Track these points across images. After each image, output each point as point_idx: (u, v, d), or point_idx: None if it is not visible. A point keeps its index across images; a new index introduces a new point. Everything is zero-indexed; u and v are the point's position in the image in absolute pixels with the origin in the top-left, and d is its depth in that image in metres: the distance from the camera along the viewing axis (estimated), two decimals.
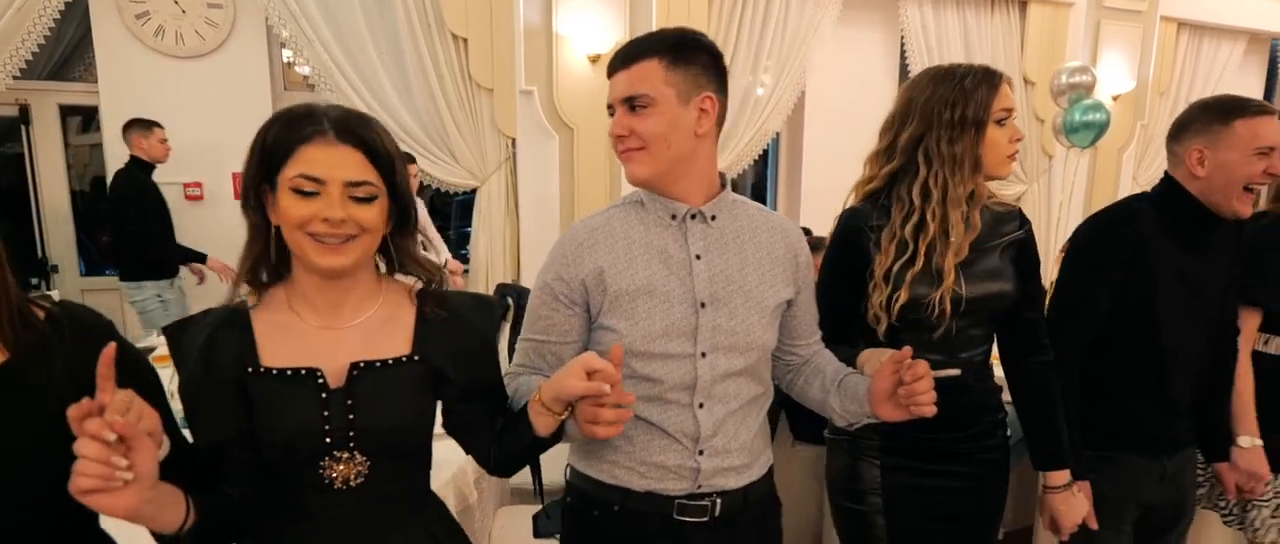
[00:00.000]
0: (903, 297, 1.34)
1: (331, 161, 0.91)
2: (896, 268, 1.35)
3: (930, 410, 1.08)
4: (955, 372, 1.15)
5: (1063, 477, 1.45)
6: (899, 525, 1.44)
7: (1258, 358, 1.73)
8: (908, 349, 1.09)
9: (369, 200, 0.93)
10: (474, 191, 3.90)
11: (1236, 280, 1.63)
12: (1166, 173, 1.58)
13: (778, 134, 4.52)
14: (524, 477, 2.29)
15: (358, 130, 0.93)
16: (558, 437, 1.04)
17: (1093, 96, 4.43)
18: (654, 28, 3.74)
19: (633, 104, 1.09)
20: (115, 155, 3.54)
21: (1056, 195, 4.89)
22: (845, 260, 1.43)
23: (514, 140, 3.74)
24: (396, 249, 1.02)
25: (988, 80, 1.34)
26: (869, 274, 1.38)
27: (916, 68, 4.53)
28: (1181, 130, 1.53)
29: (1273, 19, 5.63)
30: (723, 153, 4.18)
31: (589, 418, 0.97)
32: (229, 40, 3.72)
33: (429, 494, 1.12)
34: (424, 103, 3.74)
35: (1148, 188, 1.67)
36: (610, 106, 1.16)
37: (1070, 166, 4.89)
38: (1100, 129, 4.36)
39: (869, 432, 1.42)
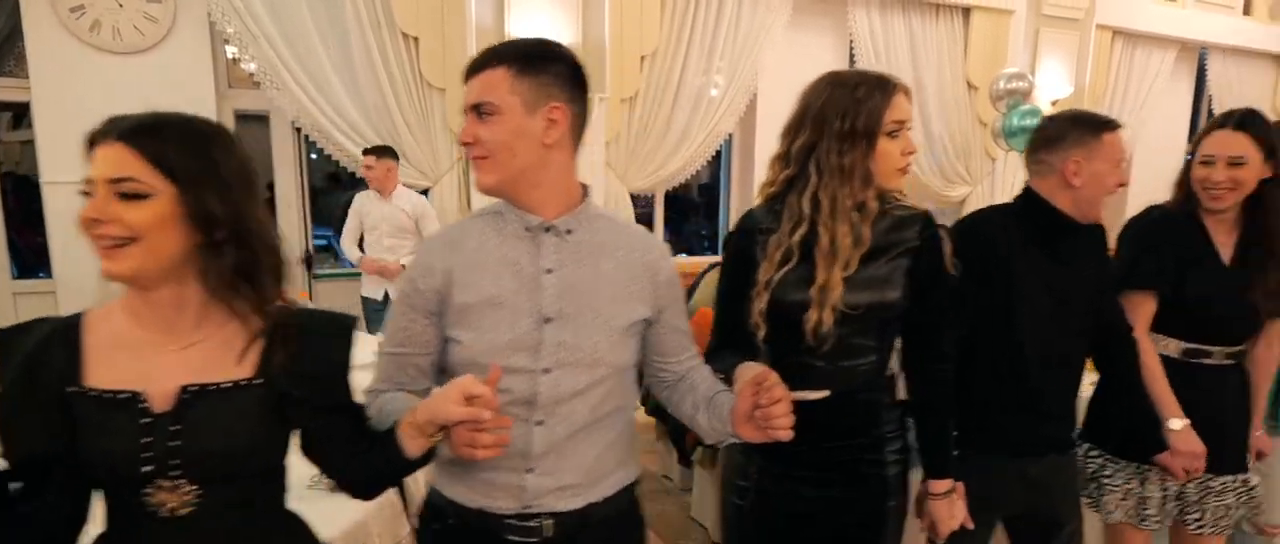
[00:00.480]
0: (780, 306, 1.32)
1: (103, 161, 0.88)
2: (778, 276, 1.32)
3: (786, 434, 1.06)
4: (820, 394, 1.15)
5: (946, 484, 1.43)
6: (767, 527, 1.43)
7: None
8: (767, 371, 1.08)
9: (135, 198, 0.87)
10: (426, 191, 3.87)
11: (1109, 283, 1.67)
12: (1027, 185, 1.61)
13: (730, 135, 4.58)
14: None
15: (142, 131, 0.89)
16: (428, 457, 1.02)
17: (1030, 102, 4.60)
18: (607, 28, 3.82)
19: (480, 111, 1.08)
20: (53, 153, 3.42)
21: (1000, 197, 5.05)
22: (733, 265, 1.42)
23: None
24: (208, 269, 0.93)
25: (881, 88, 1.32)
26: (752, 281, 1.35)
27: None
28: (1056, 142, 1.54)
29: (1201, 30, 5.90)
30: (676, 154, 4.22)
31: (466, 442, 0.95)
32: (170, 36, 3.61)
33: (284, 517, 1.08)
34: (373, 100, 3.69)
35: None
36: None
37: (1011, 169, 5.06)
38: None
39: None
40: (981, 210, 1.65)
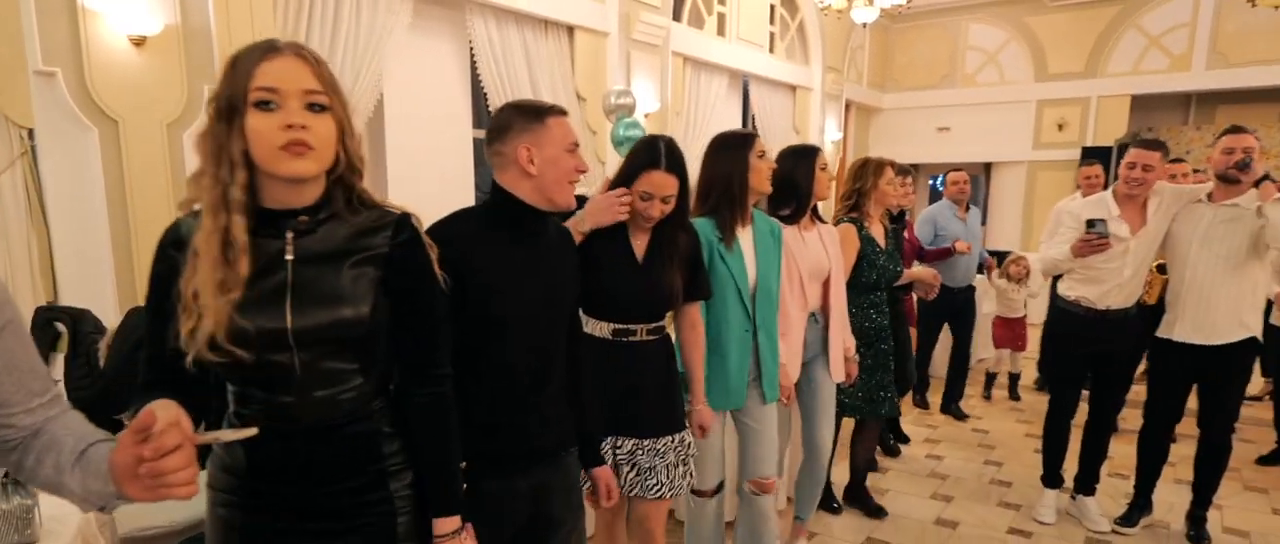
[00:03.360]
0: (208, 325, 1.08)
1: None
2: (203, 289, 1.09)
3: (185, 492, 0.90)
4: (247, 433, 1.00)
5: (453, 523, 1.31)
6: None
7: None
8: (152, 412, 0.92)
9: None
10: None
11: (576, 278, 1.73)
12: (494, 180, 1.56)
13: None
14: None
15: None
16: None
17: (633, 115, 5.32)
18: (211, 15, 3.45)
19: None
20: None
21: None
22: (155, 280, 1.18)
23: (31, 131, 3.04)
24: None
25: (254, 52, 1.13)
26: (176, 295, 1.12)
27: (487, 79, 4.88)
28: (506, 131, 1.52)
29: (742, 61, 7.35)
30: None
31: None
32: None
33: None
34: None
35: None
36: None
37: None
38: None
39: (218, 472, 1.25)
40: (447, 218, 1.54)
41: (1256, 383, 5.18)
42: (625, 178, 1.95)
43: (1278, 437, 4.12)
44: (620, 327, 1.98)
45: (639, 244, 1.99)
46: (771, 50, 7.91)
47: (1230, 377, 2.98)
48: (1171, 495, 3.32)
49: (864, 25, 6.57)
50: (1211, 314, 2.89)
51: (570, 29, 5.44)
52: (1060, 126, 9.43)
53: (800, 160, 2.61)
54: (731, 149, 2.28)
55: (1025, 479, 3.79)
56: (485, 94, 4.92)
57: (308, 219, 1.18)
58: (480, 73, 4.84)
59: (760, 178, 2.28)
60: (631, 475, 2.03)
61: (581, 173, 1.56)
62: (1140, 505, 3.30)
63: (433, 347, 1.30)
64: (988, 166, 10.26)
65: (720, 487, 2.42)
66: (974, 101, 9.91)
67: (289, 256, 1.16)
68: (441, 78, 4.81)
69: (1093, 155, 8.78)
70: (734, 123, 7.75)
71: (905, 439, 4.41)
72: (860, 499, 3.44)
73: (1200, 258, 2.88)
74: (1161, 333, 3.04)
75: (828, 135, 8.87)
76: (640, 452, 2.02)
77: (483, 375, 1.50)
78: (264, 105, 1.08)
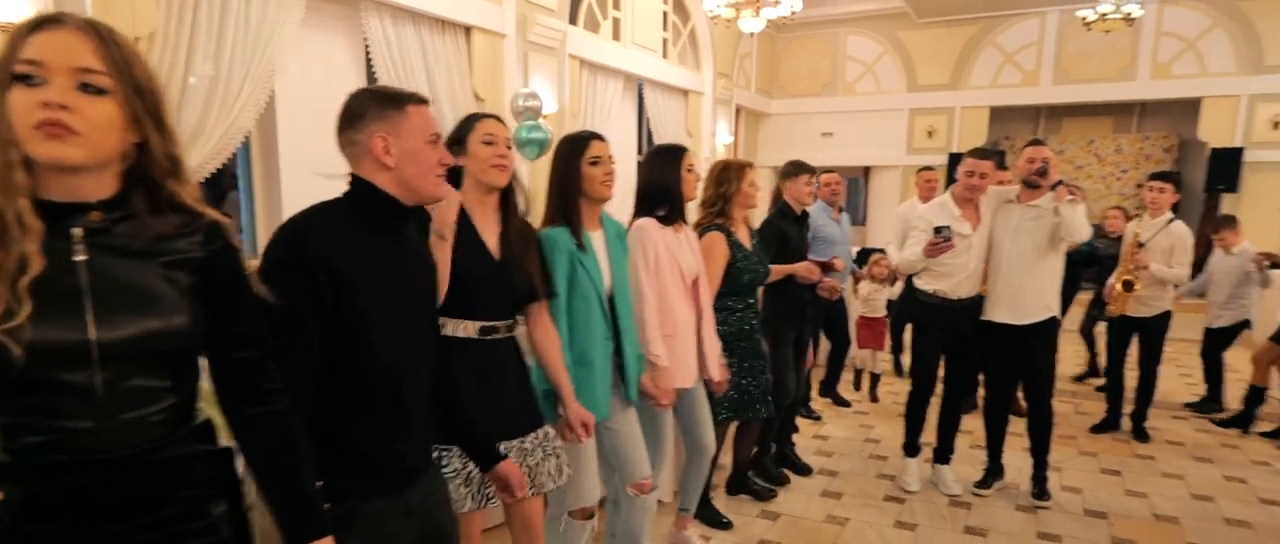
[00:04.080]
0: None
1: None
2: None
3: None
4: None
5: None
6: None
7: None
8: None
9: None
10: None
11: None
12: (352, 173, 1.43)
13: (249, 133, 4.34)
14: None
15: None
16: None
17: (539, 118, 5.44)
18: (88, 6, 3.31)
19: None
20: None
21: None
22: None
23: None
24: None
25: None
26: None
27: (384, 78, 4.85)
28: (360, 119, 1.39)
29: (636, 66, 7.56)
30: (191, 149, 3.85)
31: None
32: None
33: None
34: None
35: None
36: None
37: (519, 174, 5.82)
38: (542, 144, 5.40)
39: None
40: (307, 209, 1.40)
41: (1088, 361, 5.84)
42: (458, 137, 1.90)
43: (1107, 409, 4.68)
44: (487, 324, 1.90)
45: (490, 238, 1.93)
46: (665, 55, 8.16)
47: (1041, 350, 3.44)
48: (1021, 461, 3.74)
49: (752, 35, 6.90)
50: (1021, 298, 3.36)
51: (467, 29, 5.47)
52: (930, 134, 10.18)
53: (668, 162, 2.61)
54: (665, 159, 2.57)
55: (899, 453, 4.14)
56: None
57: (102, 215, 1.04)
58: (377, 71, 4.81)
59: (689, 187, 2.51)
60: (463, 484, 1.89)
61: (447, 165, 1.46)
62: (993, 470, 3.71)
63: (261, 359, 1.18)
64: (867, 170, 10.93)
65: (601, 504, 2.36)
66: (853, 109, 10.55)
67: (80, 257, 1.01)
68: (337, 75, 4.75)
69: (959, 161, 9.50)
70: (630, 126, 7.96)
71: (817, 416, 4.82)
72: (746, 485, 3.55)
73: (1011, 251, 3.35)
74: (984, 316, 3.48)
75: (719, 139, 9.23)
76: (509, 452, 1.91)
77: (355, 384, 1.37)
78: (25, 79, 0.96)
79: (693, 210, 2.91)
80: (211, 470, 1.16)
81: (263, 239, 4.42)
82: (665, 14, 8.14)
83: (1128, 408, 4.59)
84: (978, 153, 3.41)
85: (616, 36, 7.33)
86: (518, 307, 2.01)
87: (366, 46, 4.83)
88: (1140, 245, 4.27)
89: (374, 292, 1.37)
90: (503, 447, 1.85)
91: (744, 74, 10.03)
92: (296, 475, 1.20)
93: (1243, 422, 4.71)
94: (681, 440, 2.92)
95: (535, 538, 2.09)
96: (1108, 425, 4.66)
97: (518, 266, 1.94)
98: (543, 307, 2.09)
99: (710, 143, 9.07)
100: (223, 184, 4.74)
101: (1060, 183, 3.23)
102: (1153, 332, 4.43)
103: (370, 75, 4.92)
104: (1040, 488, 3.58)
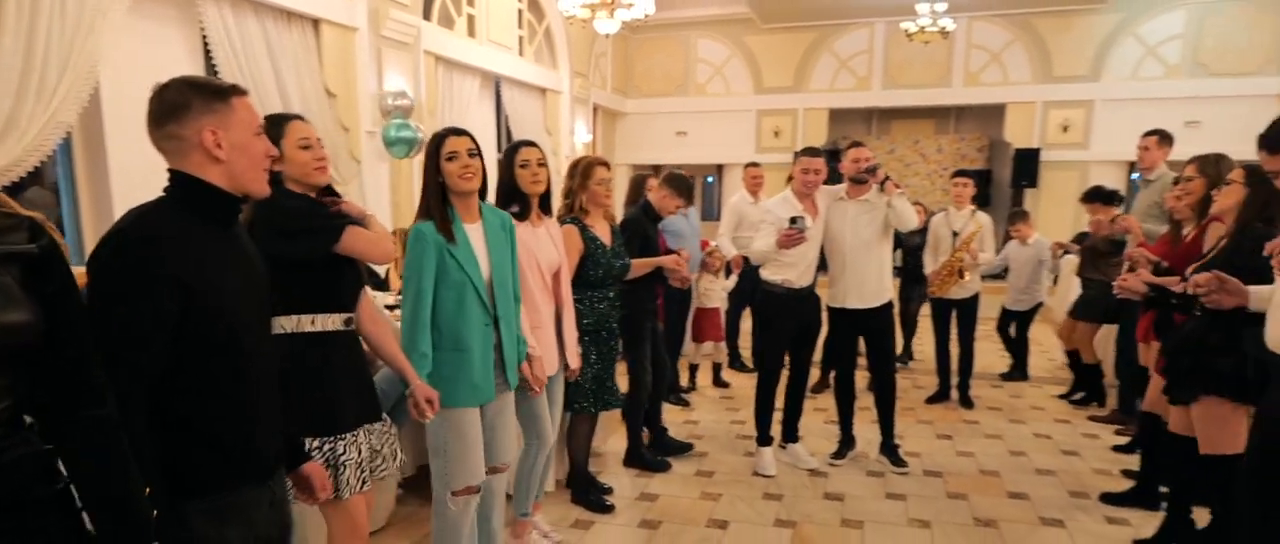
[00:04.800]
0: None
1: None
2: None
3: None
4: None
5: None
6: None
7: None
8: None
9: None
10: None
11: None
12: (172, 169, 1.38)
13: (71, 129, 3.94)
14: None
15: None
16: None
17: (408, 117, 5.31)
18: None
19: None
20: None
21: (370, 195, 5.57)
22: None
23: None
24: None
25: None
26: None
27: (226, 72, 4.56)
28: (179, 112, 1.34)
29: (493, 63, 7.50)
30: (4, 143, 3.45)
31: None
32: None
33: None
34: None
35: None
36: None
37: (377, 172, 5.65)
38: (412, 143, 5.29)
39: None
40: (140, 213, 1.35)
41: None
42: (270, 140, 1.71)
43: (938, 382, 5.21)
44: (348, 315, 1.98)
45: None
46: (521, 53, 8.15)
47: (883, 330, 3.83)
48: (871, 433, 4.09)
49: (607, 35, 7.02)
50: (865, 284, 3.74)
51: (315, 22, 5.23)
52: (776, 133, 10.79)
53: (505, 160, 2.76)
54: (505, 158, 2.72)
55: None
56: None
57: None
58: (218, 66, 4.50)
59: (524, 182, 2.67)
60: (355, 472, 1.96)
61: (272, 157, 1.47)
62: (846, 442, 4.04)
63: (86, 360, 1.14)
64: (720, 168, 11.41)
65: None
66: (705, 109, 10.97)
67: None
68: (172, 69, 4.32)
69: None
70: (488, 123, 7.88)
71: (686, 403, 5.05)
72: (584, 487, 3.45)
73: (853, 243, 3.72)
74: (834, 303, 3.83)
75: (578, 137, 9.32)
76: (372, 434, 2.03)
77: (210, 383, 1.35)
78: None
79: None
80: (42, 473, 1.12)
81: (90, 242, 4.03)
82: (520, 12, 8.13)
83: (954, 380, 5.13)
84: (810, 152, 3.74)
85: (472, 33, 7.24)
86: (350, 297, 2.05)
87: (205, 38, 4.51)
88: (954, 234, 4.83)
89: (225, 295, 1.36)
90: (365, 429, 1.99)
91: (600, 73, 10.18)
92: (123, 484, 1.16)
93: (1092, 398, 5.18)
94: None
95: (364, 539, 2.03)
96: (939, 397, 5.18)
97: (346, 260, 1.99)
98: (368, 295, 2.14)
99: (569, 141, 9.15)
100: (22, 184, 4.29)
101: (887, 178, 3.61)
102: (968, 310, 4.98)
103: (210, 69, 4.60)
104: (894, 457, 3.93)
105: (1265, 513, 1.97)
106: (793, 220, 3.47)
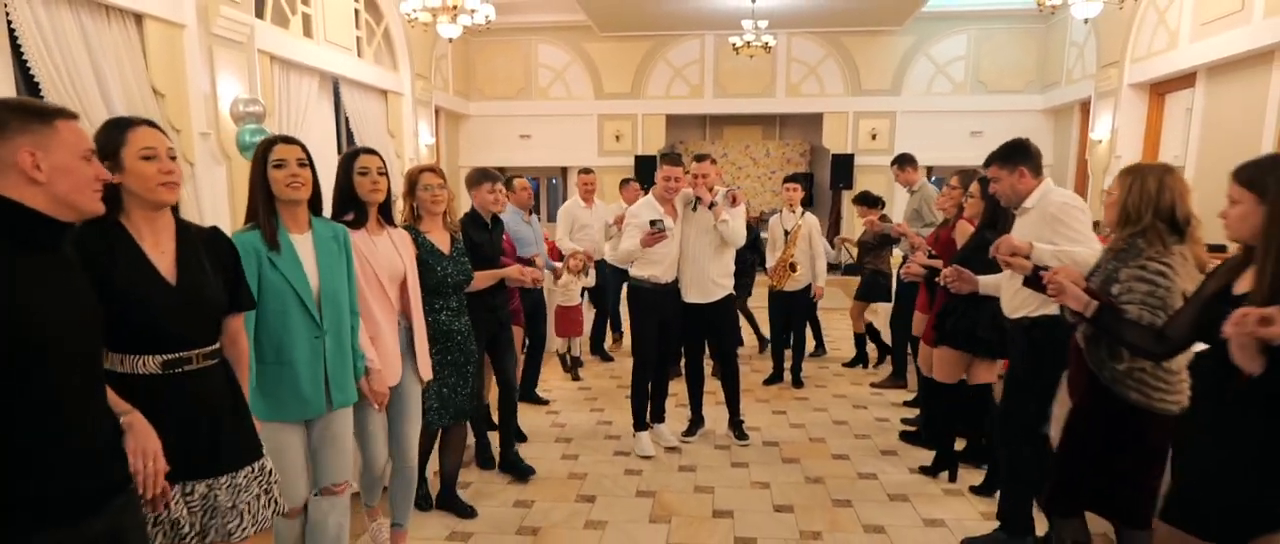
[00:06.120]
0: None
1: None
2: None
3: None
4: None
5: None
6: None
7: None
8: None
9: None
10: None
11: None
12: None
13: None
14: None
15: None
16: None
17: (262, 123, 5.14)
18: None
19: None
20: None
21: (205, 201, 5.32)
22: None
23: None
24: None
25: None
26: None
27: (41, 70, 4.24)
28: (1, 131, 1.28)
29: (331, 64, 7.32)
30: None
31: None
32: None
33: None
34: None
35: None
36: None
37: (213, 175, 5.40)
38: None
39: None
40: None
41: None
42: (107, 151, 1.62)
43: (773, 366, 5.77)
44: (170, 357, 1.68)
45: (164, 261, 1.71)
46: (360, 54, 7.99)
47: (723, 321, 4.26)
48: (718, 413, 4.51)
49: (449, 39, 7.02)
50: (705, 282, 4.15)
51: (138, 17, 4.94)
52: (618, 138, 11.21)
53: (342, 167, 2.64)
54: (341, 165, 2.63)
55: (624, 425, 4.72)
56: (40, 88, 4.26)
57: None
58: (31, 63, 4.18)
59: (362, 190, 2.58)
60: (207, 520, 1.77)
61: (103, 181, 1.39)
62: (696, 421, 4.44)
63: None
64: (564, 171, 11.67)
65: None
66: (548, 113, 11.20)
67: None
68: None
69: (644, 163, 10.66)
70: (328, 125, 7.67)
71: (546, 401, 5.21)
72: (451, 504, 3.41)
73: (697, 247, 4.13)
74: (683, 298, 4.20)
75: (421, 140, 9.24)
76: (218, 491, 1.77)
77: (25, 412, 1.28)
78: None
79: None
80: None
81: None
82: (357, 12, 7.97)
83: (787, 363, 5.71)
84: (669, 160, 4.09)
85: (308, 33, 7.04)
86: (211, 332, 1.79)
87: (12, 33, 4.16)
88: (786, 233, 5.41)
89: (36, 322, 1.28)
90: (203, 486, 1.74)
91: (442, 76, 10.13)
92: None
93: (861, 361, 6.25)
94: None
95: None
96: (774, 378, 5.74)
97: (201, 283, 1.74)
98: (237, 319, 1.92)
99: (413, 144, 9.05)
100: None
101: (729, 190, 4.02)
102: (800, 302, 5.58)
103: (21, 67, 4.25)
104: (740, 432, 4.38)
105: (1008, 437, 2.96)
106: (653, 223, 3.82)
